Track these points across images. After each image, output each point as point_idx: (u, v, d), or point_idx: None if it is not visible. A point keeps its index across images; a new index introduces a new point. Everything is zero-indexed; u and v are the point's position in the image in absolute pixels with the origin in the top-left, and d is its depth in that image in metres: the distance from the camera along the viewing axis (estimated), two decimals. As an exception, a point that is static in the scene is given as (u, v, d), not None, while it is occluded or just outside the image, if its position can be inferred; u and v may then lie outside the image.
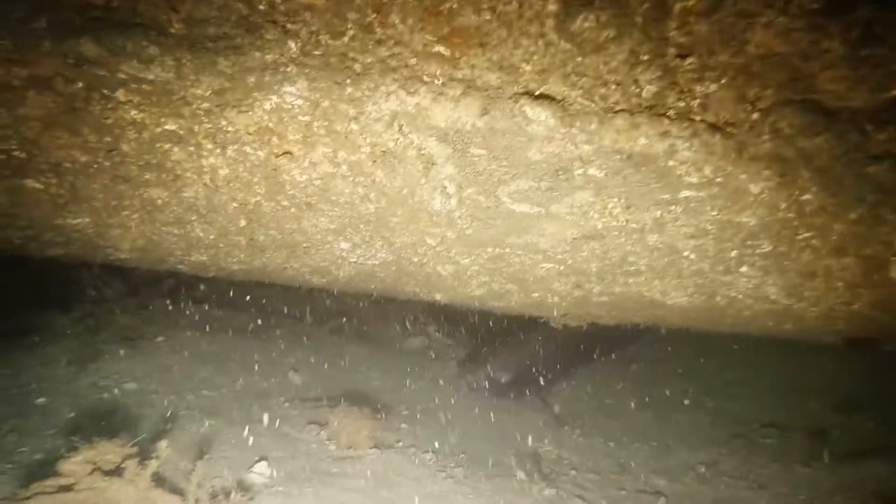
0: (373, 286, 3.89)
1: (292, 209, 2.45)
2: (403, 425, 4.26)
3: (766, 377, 5.92)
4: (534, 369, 5.41)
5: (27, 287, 5.29)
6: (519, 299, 3.50)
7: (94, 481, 2.00)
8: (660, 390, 5.96)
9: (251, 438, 3.37)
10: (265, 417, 3.84)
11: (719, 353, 6.54)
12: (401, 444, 3.77)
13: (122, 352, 4.66)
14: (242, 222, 2.55)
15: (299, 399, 4.33)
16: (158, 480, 2.22)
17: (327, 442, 3.55)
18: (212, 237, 2.78)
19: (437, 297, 3.86)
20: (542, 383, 5.45)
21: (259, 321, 6.24)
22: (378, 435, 3.65)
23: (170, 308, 5.91)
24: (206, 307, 6.14)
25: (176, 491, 2.26)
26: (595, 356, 6.24)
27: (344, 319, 7.20)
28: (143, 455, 2.23)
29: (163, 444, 2.17)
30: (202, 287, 6.49)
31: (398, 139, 1.87)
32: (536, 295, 3.30)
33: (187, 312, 5.86)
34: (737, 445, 4.43)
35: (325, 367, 5.44)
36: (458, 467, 3.59)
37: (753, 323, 3.08)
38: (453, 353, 6.73)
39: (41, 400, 3.74)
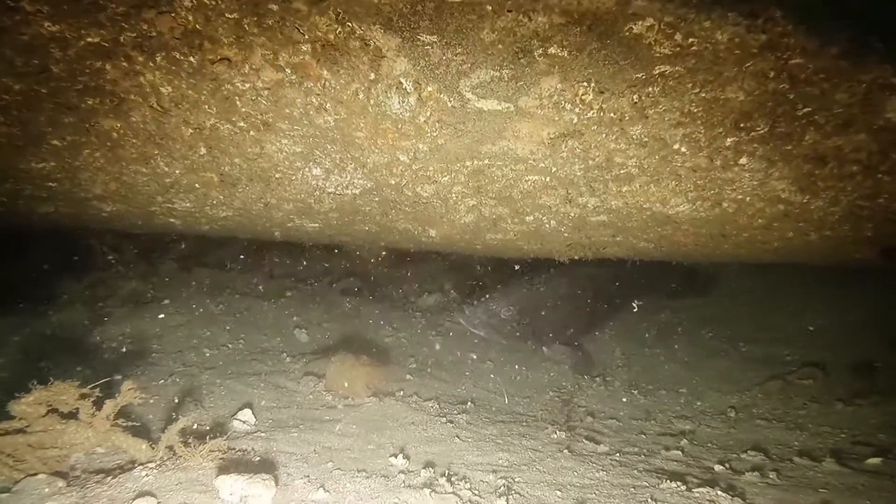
0: (365, 226, 3.84)
1: (251, 131, 2.38)
2: (409, 377, 4.23)
3: (808, 316, 5.67)
4: (546, 312, 5.10)
5: (42, 256, 5.45)
6: (515, 227, 3.39)
7: (49, 423, 1.99)
8: (690, 337, 5.78)
9: (244, 390, 3.37)
10: (262, 370, 3.85)
11: (755, 296, 6.31)
12: (402, 392, 3.73)
13: (126, 315, 4.75)
14: (203, 150, 2.50)
15: (302, 354, 4.34)
16: (128, 425, 2.21)
17: (324, 392, 3.53)
18: (178, 172, 2.75)
19: (432, 233, 3.78)
20: (561, 331, 5.21)
21: (270, 284, 6.29)
22: (378, 384, 3.61)
23: (179, 272, 6.01)
24: (216, 271, 6.22)
25: (142, 434, 2.25)
26: (621, 302, 6.04)
27: (358, 280, 7.20)
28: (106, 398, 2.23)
29: (126, 384, 2.15)
30: (213, 251, 6.58)
31: (337, 30, 1.76)
32: (531, 219, 3.18)
33: (196, 276, 5.95)
34: (773, 388, 4.22)
35: (335, 325, 5.44)
36: (463, 414, 3.53)
37: (773, 238, 2.89)
38: (462, 307, 6.67)
39: (43, 363, 3.82)
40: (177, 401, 3.07)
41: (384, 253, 7.71)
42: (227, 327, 4.79)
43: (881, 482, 2.55)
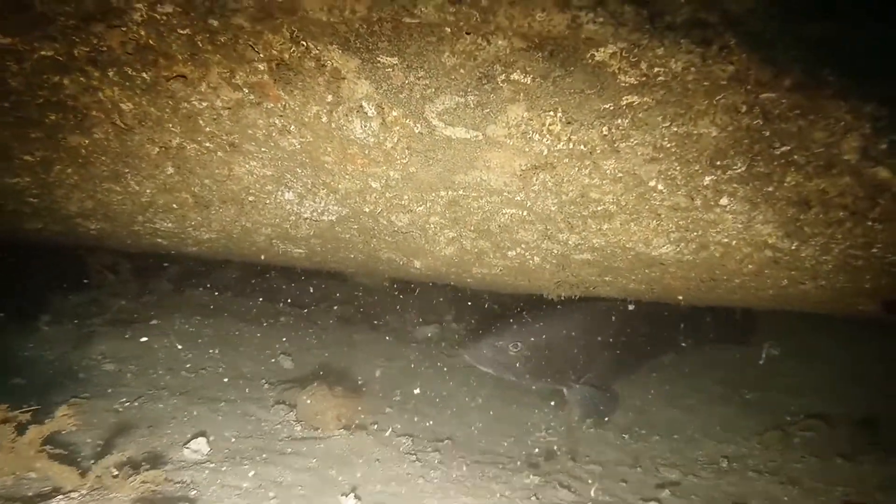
0: (350, 254, 3.77)
1: (218, 152, 2.33)
2: (389, 409, 4.10)
3: (814, 365, 5.45)
4: (563, 349, 4.68)
5: (38, 273, 5.44)
6: (499, 262, 3.28)
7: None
8: (694, 382, 5.57)
9: (209, 417, 3.26)
10: (235, 397, 3.74)
11: (758, 341, 6.09)
12: (376, 426, 3.60)
13: (112, 334, 4.69)
14: (170, 170, 2.45)
15: (281, 382, 4.23)
16: (57, 453, 2.11)
17: (293, 423, 3.41)
18: (150, 192, 2.70)
19: (416, 264, 3.69)
20: (582, 371, 4.94)
21: (264, 308, 6.21)
22: (351, 416, 3.48)
23: (171, 293, 5.96)
24: (210, 293, 6.16)
25: (73, 462, 2.15)
26: (622, 345, 5.78)
27: (356, 308, 7.10)
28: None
29: (62, 410, 2.06)
30: (208, 273, 6.54)
31: (292, 49, 1.70)
32: (513, 255, 3.07)
33: (188, 298, 5.89)
34: (771, 439, 4.02)
35: (324, 352, 5.33)
36: (435, 452, 3.38)
37: (767, 286, 2.75)
38: (466, 341, 6.53)
39: (18, 380, 3.76)
40: (131, 426, 2.96)
41: (385, 282, 7.62)
42: (211, 351, 4.70)
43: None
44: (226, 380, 4.13)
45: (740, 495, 3.12)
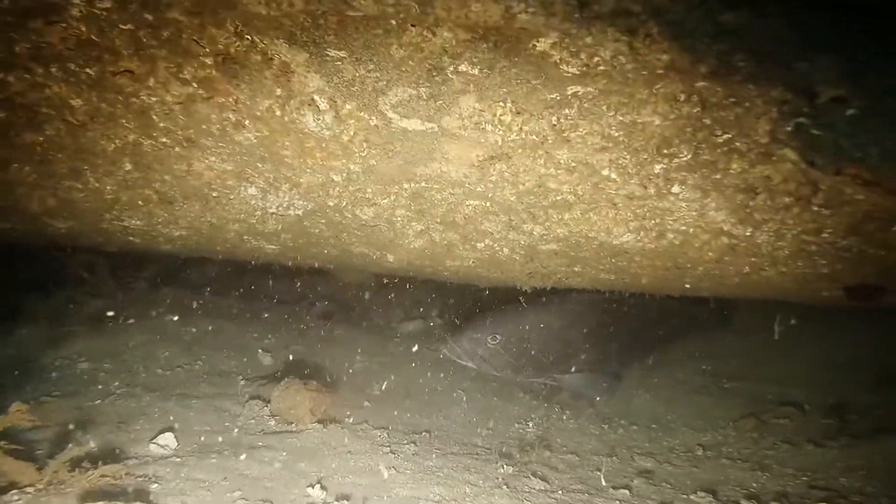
0: (323, 249, 3.79)
1: (175, 147, 2.34)
2: (367, 403, 4.12)
3: (801, 354, 5.51)
4: (528, 343, 4.59)
5: (12, 273, 5.42)
6: (470, 254, 3.32)
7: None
8: (675, 372, 5.62)
9: (181, 413, 3.28)
10: (210, 393, 3.76)
11: (741, 331, 6.15)
12: (352, 420, 3.62)
13: (88, 334, 4.69)
14: (128, 166, 2.46)
15: (259, 378, 4.24)
16: (13, 449, 2.13)
17: (267, 417, 3.43)
18: (111, 188, 2.71)
19: (389, 258, 3.72)
20: (539, 361, 4.86)
21: (244, 306, 6.22)
22: (327, 410, 3.50)
23: (150, 292, 5.96)
24: (189, 292, 6.16)
25: (32, 458, 2.17)
26: (607, 336, 5.72)
27: (340, 304, 7.12)
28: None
29: (15, 406, 2.08)
30: (187, 272, 6.53)
31: (237, 43, 1.71)
32: (482, 246, 3.11)
33: (167, 296, 5.88)
34: (747, 426, 4.08)
35: (305, 349, 5.35)
36: (411, 444, 3.41)
37: (730, 273, 2.80)
38: (445, 336, 6.55)
39: (-14, 379, 3.75)
40: (98, 423, 2.98)
41: (369, 278, 7.63)
42: (189, 349, 4.71)
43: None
44: (202, 377, 4.15)
45: (711, 482, 3.17)
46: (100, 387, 3.67)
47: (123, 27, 1.68)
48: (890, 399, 4.22)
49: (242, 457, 2.80)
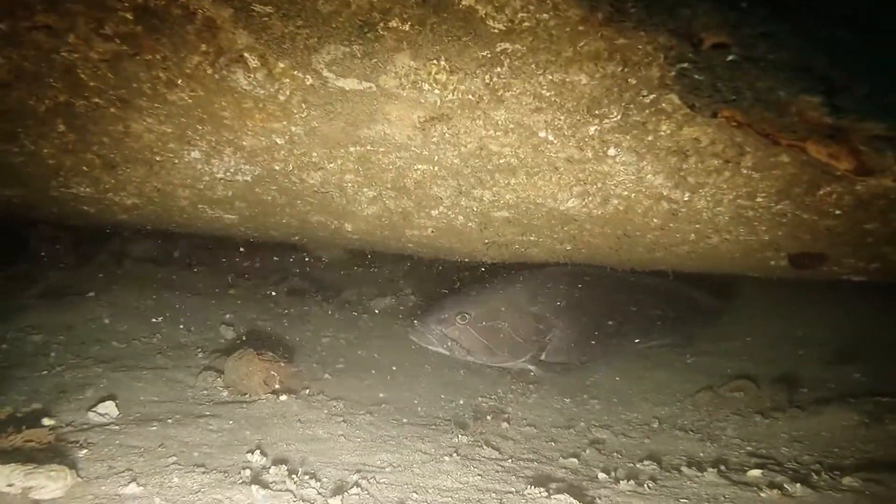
0: (282, 219, 3.78)
1: (111, 108, 2.32)
2: (327, 376, 4.14)
3: (766, 329, 5.61)
4: (500, 322, 4.22)
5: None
6: (427, 222, 3.33)
7: None
8: (637, 349, 5.69)
9: (129, 384, 3.29)
10: (165, 364, 3.76)
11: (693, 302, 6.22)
12: (308, 391, 3.64)
13: (44, 307, 4.65)
14: (62, 127, 2.43)
15: (218, 351, 4.24)
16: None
17: (220, 389, 3.44)
18: (49, 152, 2.68)
19: (348, 227, 3.72)
20: (513, 343, 4.85)
21: (210, 281, 6.19)
22: (282, 381, 3.51)
23: (111, 265, 5.91)
24: (154, 265, 6.12)
25: None
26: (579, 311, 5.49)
27: (310, 280, 7.10)
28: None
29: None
30: (151, 246, 6.48)
31: (155, -7, 1.69)
32: (437, 213, 3.12)
33: (130, 270, 5.86)
34: (702, 399, 4.16)
35: (271, 324, 5.34)
36: (367, 414, 3.44)
37: (677, 241, 2.84)
38: (410, 319, 6.57)
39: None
40: (40, 393, 2.97)
41: (343, 254, 7.62)
42: (148, 322, 4.69)
43: (745, 493, 2.53)
44: (159, 349, 4.14)
45: (660, 452, 3.24)
46: (49, 358, 3.65)
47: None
48: (840, 373, 4.35)
49: (186, 426, 2.81)
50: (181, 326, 4.75)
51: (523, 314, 4.20)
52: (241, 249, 6.57)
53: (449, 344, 3.99)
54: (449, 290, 6.72)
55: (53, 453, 2.24)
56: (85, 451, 2.36)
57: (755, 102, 1.58)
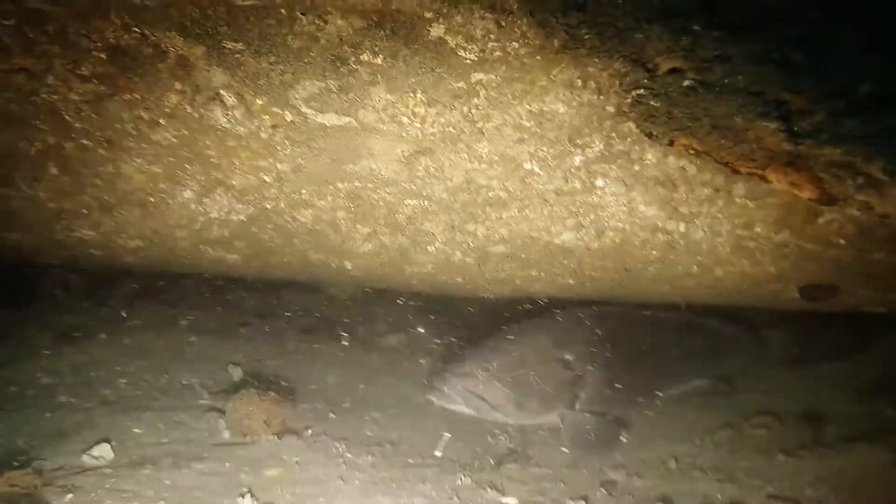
0: (283, 258, 3.75)
1: (99, 150, 2.32)
2: (332, 415, 4.05)
3: (785, 363, 5.38)
4: (529, 372, 3.72)
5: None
6: (424, 258, 3.28)
7: None
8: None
9: (129, 425, 3.24)
10: (169, 405, 3.72)
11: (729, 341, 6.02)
12: (310, 431, 3.55)
13: (54, 350, 4.67)
14: (54, 170, 2.44)
15: (223, 391, 4.18)
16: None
17: (222, 430, 3.37)
18: (46, 195, 2.69)
19: (348, 265, 3.67)
20: (545, 393, 3.84)
21: (221, 321, 6.18)
22: (284, 422, 3.44)
23: (124, 307, 5.94)
24: (165, 307, 6.13)
25: None
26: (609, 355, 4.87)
27: (322, 319, 7.04)
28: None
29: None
30: (163, 288, 6.51)
31: (124, 36, 1.69)
32: (433, 250, 3.06)
33: (141, 311, 5.87)
34: (723, 437, 3.97)
35: (280, 362, 5.29)
36: (369, 455, 3.34)
37: (679, 274, 2.73)
38: (432, 349, 6.47)
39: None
40: (40, 436, 2.94)
41: (352, 291, 7.58)
42: (157, 364, 4.67)
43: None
44: (164, 391, 4.11)
45: (674, 493, 3.07)
46: (55, 401, 3.63)
47: (7, 22, 1.65)
48: (871, 409, 4.12)
49: (181, 469, 2.74)
50: (189, 367, 4.72)
51: (551, 361, 3.73)
52: (250, 289, 6.57)
53: (474, 401, 3.51)
54: (460, 326, 6.63)
55: (34, 500, 2.19)
56: (70, 495, 2.30)
57: (712, 129, 1.52)
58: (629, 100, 1.55)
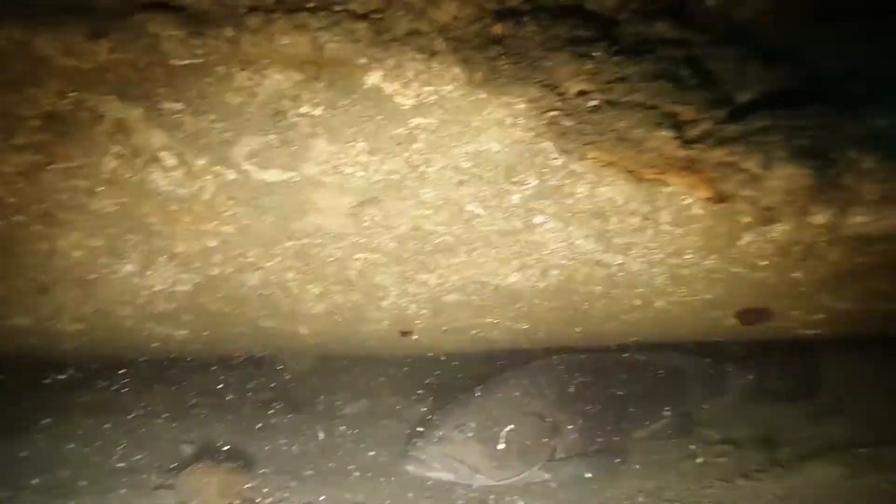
0: (235, 329, 3.63)
1: (35, 225, 2.23)
2: (293, 483, 3.86)
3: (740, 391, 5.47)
4: (510, 427, 3.54)
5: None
6: (379, 314, 3.22)
7: None
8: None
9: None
10: (116, 486, 3.50)
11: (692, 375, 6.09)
12: (270, 500, 3.38)
13: (-10, 438, 4.36)
14: (-18, 251, 2.32)
15: (175, 469, 3.95)
16: None
17: None
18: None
19: (302, 330, 3.58)
20: (528, 448, 3.63)
21: (172, 401, 5.90)
22: (241, 493, 3.26)
23: (67, 395, 5.60)
24: (112, 391, 5.82)
25: None
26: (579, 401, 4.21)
27: (279, 391, 6.80)
28: None
29: None
30: (108, 372, 6.20)
31: (60, 102, 1.66)
32: (387, 304, 3.02)
33: (86, 398, 5.55)
34: (686, 468, 3.97)
35: (235, 438, 5.05)
36: (327, 521, 3.18)
37: (625, 309, 2.78)
38: (398, 414, 6.32)
39: None
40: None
41: (310, 361, 7.37)
42: (103, 447, 4.42)
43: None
44: (111, 473, 3.87)
45: (641, 526, 3.03)
46: (-11, 491, 3.36)
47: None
48: (822, 429, 4.22)
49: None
50: (138, 449, 4.48)
51: (526, 414, 3.58)
52: (201, 367, 6.32)
53: (454, 466, 3.28)
54: (424, 389, 6.50)
55: None
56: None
57: (617, 142, 1.63)
58: (545, 121, 1.63)
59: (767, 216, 1.79)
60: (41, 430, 4.56)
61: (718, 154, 1.64)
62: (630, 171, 1.70)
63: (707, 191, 1.77)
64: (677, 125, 1.62)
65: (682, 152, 1.63)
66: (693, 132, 1.62)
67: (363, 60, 1.52)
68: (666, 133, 1.62)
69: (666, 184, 1.71)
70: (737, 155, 1.64)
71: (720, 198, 1.77)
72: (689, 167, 1.67)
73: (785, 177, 1.67)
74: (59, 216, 2.16)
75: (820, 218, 1.77)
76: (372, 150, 1.88)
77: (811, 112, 1.69)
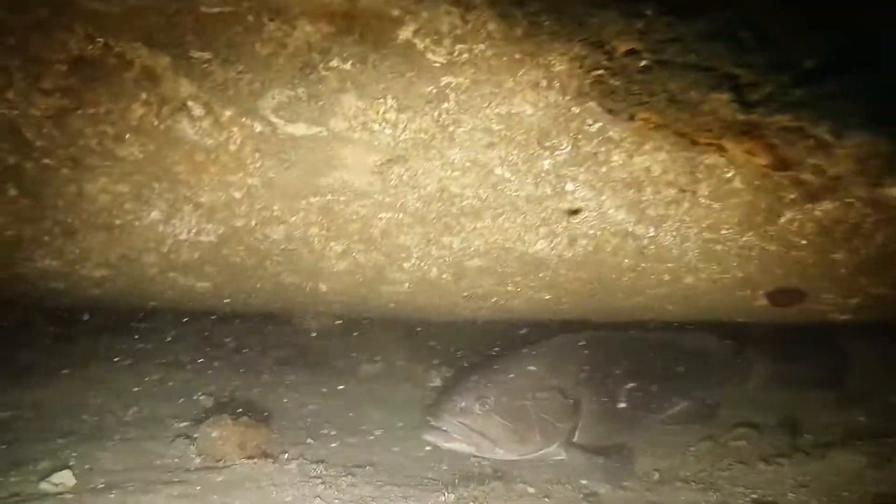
0: (256, 283, 3.69)
1: (62, 169, 2.27)
2: (310, 440, 3.97)
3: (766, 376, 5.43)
4: (529, 402, 3.56)
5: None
6: (402, 276, 3.26)
7: None
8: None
9: (95, 455, 3.15)
10: (136, 435, 3.62)
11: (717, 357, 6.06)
12: (287, 455, 3.48)
13: (14, 386, 4.53)
14: (13, 191, 2.38)
15: (193, 420, 4.07)
16: None
17: (193, 455, 3.29)
18: (2, 220, 2.61)
19: (322, 287, 3.63)
20: (546, 424, 3.62)
21: (192, 354, 6.04)
22: (258, 445, 3.35)
23: (90, 342, 5.78)
24: (134, 341, 5.99)
25: None
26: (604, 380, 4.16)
27: (298, 350, 6.94)
28: None
29: None
30: (131, 323, 6.36)
31: (88, 47, 1.67)
32: (409, 266, 3.04)
33: (108, 346, 5.72)
34: (703, 449, 3.99)
35: (252, 394, 5.18)
36: (349, 476, 3.28)
37: (653, 283, 2.76)
38: (413, 376, 6.41)
39: None
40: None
41: (329, 321, 7.48)
42: (124, 396, 4.55)
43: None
44: (132, 422, 4.00)
45: (660, 503, 3.07)
46: (12, 434, 3.51)
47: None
48: (846, 416, 4.19)
49: (148, 493, 2.66)
50: (158, 400, 4.61)
51: (548, 389, 3.56)
52: (222, 320, 6.45)
53: (474, 438, 3.31)
54: (441, 355, 6.57)
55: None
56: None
57: (669, 104, 1.58)
58: (589, 80, 1.59)
59: (822, 190, 1.74)
60: (61, 378, 4.70)
61: (782, 119, 1.58)
62: (682, 135, 1.66)
63: (767, 157, 1.71)
64: (736, 88, 1.56)
65: (742, 116, 1.58)
66: (753, 96, 1.56)
67: (396, 13, 1.49)
68: (724, 95, 1.56)
69: (723, 149, 1.66)
70: (804, 120, 1.58)
71: (782, 165, 1.71)
72: (749, 132, 1.62)
73: (858, 144, 1.62)
74: (87, 161, 2.20)
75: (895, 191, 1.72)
76: (401, 107, 1.86)
77: (882, 79, 1.61)
